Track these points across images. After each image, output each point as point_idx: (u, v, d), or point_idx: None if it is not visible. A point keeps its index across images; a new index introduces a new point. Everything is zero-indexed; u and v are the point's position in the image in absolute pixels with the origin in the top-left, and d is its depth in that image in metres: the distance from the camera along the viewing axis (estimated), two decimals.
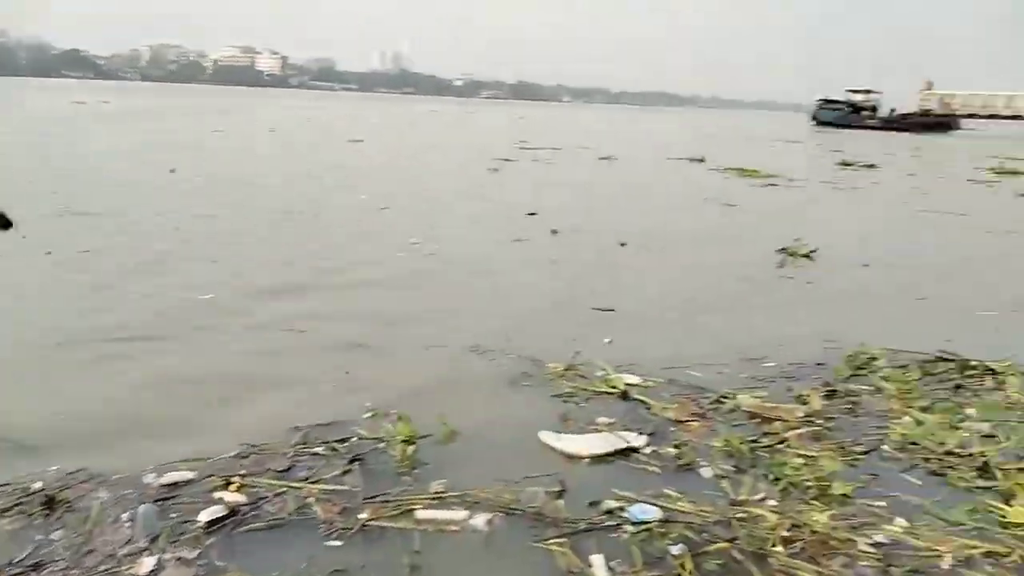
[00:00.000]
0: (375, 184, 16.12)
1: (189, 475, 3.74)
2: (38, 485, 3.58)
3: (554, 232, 11.04)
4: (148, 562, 3.05)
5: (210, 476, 3.74)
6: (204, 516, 3.36)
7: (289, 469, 3.87)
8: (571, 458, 4.12)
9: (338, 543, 3.30)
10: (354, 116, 55.35)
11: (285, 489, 3.65)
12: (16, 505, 3.42)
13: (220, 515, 3.38)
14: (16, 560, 3.06)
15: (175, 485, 3.65)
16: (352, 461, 3.95)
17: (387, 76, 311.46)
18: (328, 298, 7.27)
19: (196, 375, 5.16)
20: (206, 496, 3.57)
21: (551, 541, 3.34)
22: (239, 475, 3.74)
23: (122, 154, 19.98)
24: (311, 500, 3.58)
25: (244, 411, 4.63)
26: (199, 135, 28.74)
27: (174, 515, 3.41)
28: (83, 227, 9.99)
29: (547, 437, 4.31)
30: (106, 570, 3.02)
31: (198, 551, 3.16)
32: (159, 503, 3.48)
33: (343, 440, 4.19)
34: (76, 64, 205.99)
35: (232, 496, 3.56)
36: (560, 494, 3.70)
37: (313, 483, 3.72)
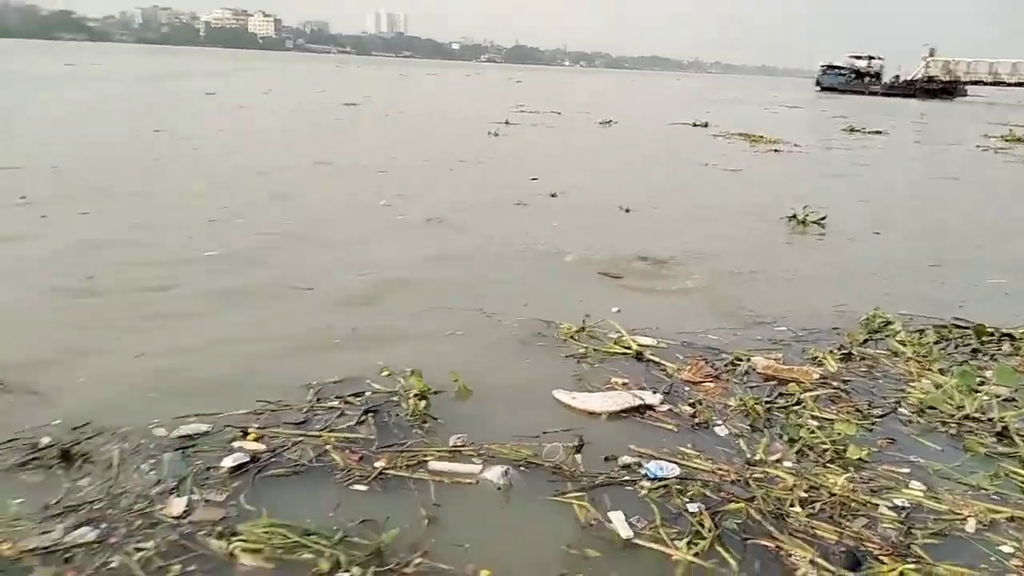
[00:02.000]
0: (368, 149, 15.91)
1: (204, 428, 3.72)
2: (46, 440, 3.53)
3: (553, 196, 10.94)
4: (179, 503, 3.07)
5: (226, 427, 3.73)
6: (227, 462, 3.36)
7: (304, 422, 3.85)
8: (587, 415, 4.11)
9: (363, 488, 3.31)
10: (350, 79, 54.63)
11: (302, 438, 3.64)
12: (31, 460, 3.38)
13: (243, 461, 3.38)
14: (52, 503, 3.06)
15: (191, 437, 3.63)
16: (366, 413, 3.93)
17: (383, 39, 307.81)
18: (329, 258, 7.17)
19: (198, 338, 5.07)
20: (225, 446, 3.56)
21: (569, 495, 3.33)
22: (255, 427, 3.72)
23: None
24: (328, 448, 3.58)
25: (254, 370, 4.58)
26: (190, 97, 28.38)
27: (198, 462, 3.41)
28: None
29: (561, 395, 4.29)
30: (140, 510, 3.03)
31: (225, 494, 3.18)
32: (179, 452, 3.47)
33: (357, 394, 4.17)
34: (68, 26, 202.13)
35: (251, 445, 3.55)
36: (578, 449, 3.69)
37: (330, 432, 3.70)
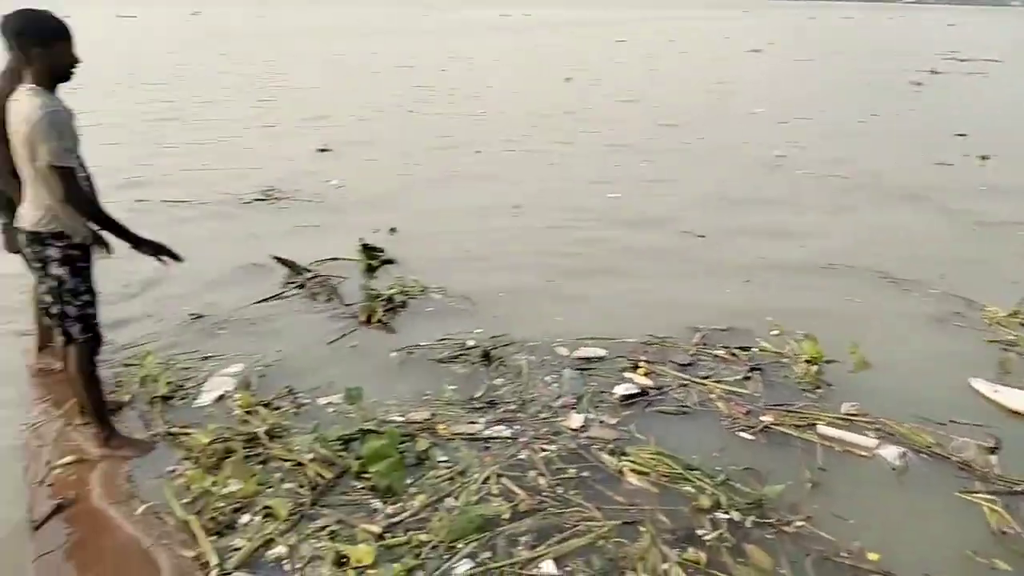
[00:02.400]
0: (765, 97, 15.20)
1: (600, 352, 4.06)
2: (471, 342, 4.17)
3: (985, 158, 9.41)
4: (577, 418, 3.42)
5: (619, 357, 4.02)
6: (619, 390, 3.63)
7: (690, 364, 3.97)
8: (1011, 413, 3.58)
9: (748, 436, 3.34)
10: (752, 24, 52.48)
11: (688, 382, 3.76)
12: (461, 355, 4.05)
13: (632, 392, 3.62)
14: (477, 396, 3.64)
15: (588, 360, 3.99)
16: (752, 370, 3.91)
17: None
18: (724, 213, 7.15)
19: (597, 276, 5.47)
20: (616, 374, 3.85)
21: (978, 495, 2.96)
22: (645, 361, 3.94)
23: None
24: (713, 396, 3.65)
25: (646, 304, 4.85)
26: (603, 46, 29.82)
27: (593, 384, 3.75)
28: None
29: (980, 385, 3.79)
30: (544, 418, 3.44)
31: (617, 419, 3.44)
32: (578, 371, 3.85)
33: (744, 348, 4.15)
34: None
35: (640, 379, 3.78)
36: (994, 449, 3.24)
37: (716, 382, 3.77)
